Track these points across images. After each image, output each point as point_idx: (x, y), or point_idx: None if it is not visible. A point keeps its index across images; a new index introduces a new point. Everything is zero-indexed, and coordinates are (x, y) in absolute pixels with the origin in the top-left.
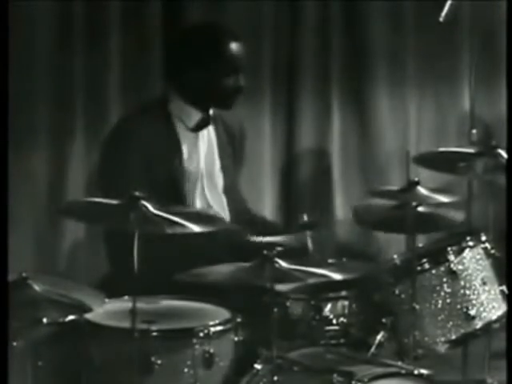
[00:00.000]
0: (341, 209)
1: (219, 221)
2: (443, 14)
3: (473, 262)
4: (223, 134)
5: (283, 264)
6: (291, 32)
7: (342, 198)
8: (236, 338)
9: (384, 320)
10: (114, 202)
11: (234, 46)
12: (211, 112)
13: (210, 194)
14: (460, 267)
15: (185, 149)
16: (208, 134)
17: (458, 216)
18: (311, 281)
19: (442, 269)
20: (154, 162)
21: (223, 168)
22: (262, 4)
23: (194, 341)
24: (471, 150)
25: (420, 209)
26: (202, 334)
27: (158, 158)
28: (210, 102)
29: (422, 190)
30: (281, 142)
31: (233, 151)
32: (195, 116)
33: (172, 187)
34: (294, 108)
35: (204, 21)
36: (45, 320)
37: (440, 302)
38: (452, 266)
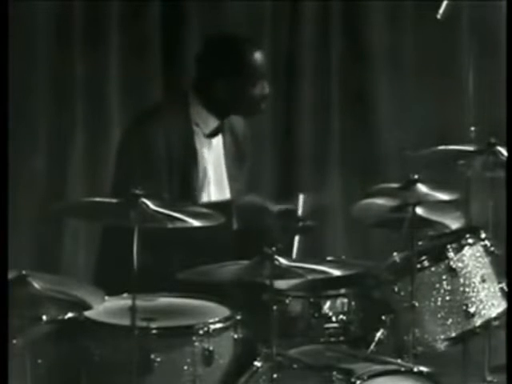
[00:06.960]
0: (340, 208)
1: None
2: (441, 11)
3: (472, 259)
4: (229, 139)
5: (283, 261)
6: (291, 31)
7: (341, 198)
8: (236, 336)
9: (383, 317)
10: (114, 200)
11: (257, 55)
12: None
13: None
14: (459, 265)
15: (198, 154)
16: (217, 142)
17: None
18: (311, 278)
19: (442, 266)
20: (170, 162)
21: (230, 177)
22: (261, 4)
23: (194, 338)
24: (470, 148)
25: (419, 210)
26: (201, 332)
27: (175, 158)
28: (237, 112)
29: (421, 187)
30: (281, 142)
31: (237, 152)
32: (212, 123)
33: (182, 188)
34: (294, 107)
35: (226, 32)
36: (44, 317)
37: (440, 299)
38: (451, 263)
